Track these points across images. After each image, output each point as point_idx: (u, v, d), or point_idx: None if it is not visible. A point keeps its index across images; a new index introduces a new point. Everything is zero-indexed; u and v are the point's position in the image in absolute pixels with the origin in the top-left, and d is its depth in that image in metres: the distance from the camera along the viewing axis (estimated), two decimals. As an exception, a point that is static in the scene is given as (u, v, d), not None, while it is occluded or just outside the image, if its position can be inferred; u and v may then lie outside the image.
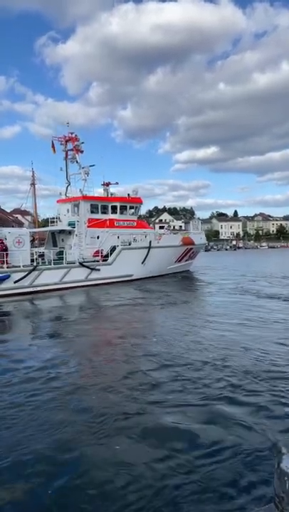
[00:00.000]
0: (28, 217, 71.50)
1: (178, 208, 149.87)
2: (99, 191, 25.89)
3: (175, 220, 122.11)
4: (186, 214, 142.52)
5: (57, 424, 4.87)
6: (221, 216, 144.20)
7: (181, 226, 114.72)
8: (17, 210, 72.60)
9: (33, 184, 33.48)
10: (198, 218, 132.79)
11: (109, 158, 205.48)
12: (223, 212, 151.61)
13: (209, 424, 4.82)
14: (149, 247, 24.09)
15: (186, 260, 28.30)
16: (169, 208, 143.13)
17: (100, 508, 3.37)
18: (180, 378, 6.42)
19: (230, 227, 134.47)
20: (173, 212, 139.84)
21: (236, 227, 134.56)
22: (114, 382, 6.32)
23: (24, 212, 71.55)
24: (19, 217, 74.94)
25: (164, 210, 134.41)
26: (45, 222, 66.75)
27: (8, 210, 76.31)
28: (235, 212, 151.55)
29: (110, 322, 12.27)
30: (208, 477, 3.76)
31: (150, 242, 24.41)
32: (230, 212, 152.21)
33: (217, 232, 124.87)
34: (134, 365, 7.33)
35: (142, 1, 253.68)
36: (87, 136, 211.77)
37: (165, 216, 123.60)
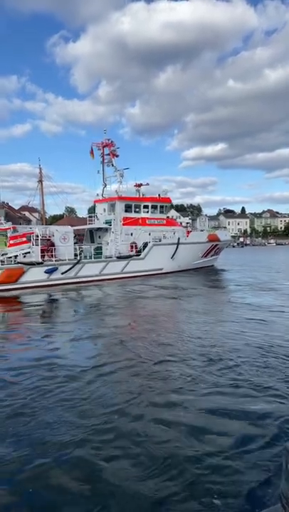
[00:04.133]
0: (36, 214, 72.65)
1: (185, 205, 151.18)
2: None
3: (182, 217, 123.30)
4: (193, 211, 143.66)
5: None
6: (228, 213, 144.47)
7: (188, 223, 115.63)
8: (24, 207, 74.01)
9: (40, 181, 34.48)
10: (206, 215, 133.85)
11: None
12: (231, 209, 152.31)
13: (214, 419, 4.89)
14: (178, 243, 25.95)
15: (212, 256, 30.08)
16: (176, 205, 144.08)
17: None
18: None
19: (238, 224, 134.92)
20: (180, 209, 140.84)
21: (244, 224, 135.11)
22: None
23: (32, 210, 72.94)
24: (26, 214, 76.26)
25: (172, 206, 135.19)
26: (53, 219, 68.12)
27: (17, 208, 78.14)
28: (243, 209, 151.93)
29: (143, 309, 13.79)
30: (212, 475, 3.73)
31: (179, 238, 26.25)
32: (237, 209, 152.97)
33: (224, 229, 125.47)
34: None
35: (154, 0, 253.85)
36: (95, 134, 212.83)
37: (172, 213, 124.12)
